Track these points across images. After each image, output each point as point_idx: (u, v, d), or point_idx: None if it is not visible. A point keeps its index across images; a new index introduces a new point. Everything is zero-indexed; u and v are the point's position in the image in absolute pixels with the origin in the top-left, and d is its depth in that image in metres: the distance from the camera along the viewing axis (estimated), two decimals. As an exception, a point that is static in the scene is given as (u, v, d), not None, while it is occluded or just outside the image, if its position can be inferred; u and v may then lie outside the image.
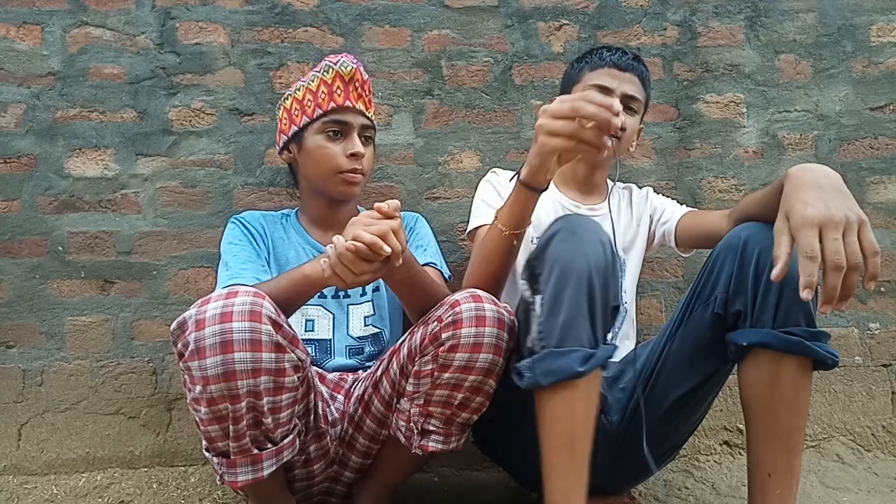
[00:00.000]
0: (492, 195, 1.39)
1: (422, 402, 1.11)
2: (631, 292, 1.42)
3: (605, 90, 1.32)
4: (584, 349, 0.97)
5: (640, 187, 1.52)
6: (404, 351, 1.13)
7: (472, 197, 1.48)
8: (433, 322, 1.08)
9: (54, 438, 1.58)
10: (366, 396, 1.21)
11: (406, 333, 1.17)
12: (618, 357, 1.34)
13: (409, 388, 1.12)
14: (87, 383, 1.59)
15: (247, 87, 1.66)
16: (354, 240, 0.97)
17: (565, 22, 1.72)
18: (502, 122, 1.70)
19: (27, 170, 1.61)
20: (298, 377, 1.05)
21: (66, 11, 1.63)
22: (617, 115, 0.94)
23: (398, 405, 1.15)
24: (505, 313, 1.07)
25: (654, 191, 1.52)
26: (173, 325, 1.00)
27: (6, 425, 1.58)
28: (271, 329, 0.98)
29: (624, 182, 1.55)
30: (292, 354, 1.03)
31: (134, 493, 1.48)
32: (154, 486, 1.51)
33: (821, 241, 0.86)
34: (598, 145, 0.97)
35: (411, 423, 1.12)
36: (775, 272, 0.89)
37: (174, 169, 1.64)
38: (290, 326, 1.05)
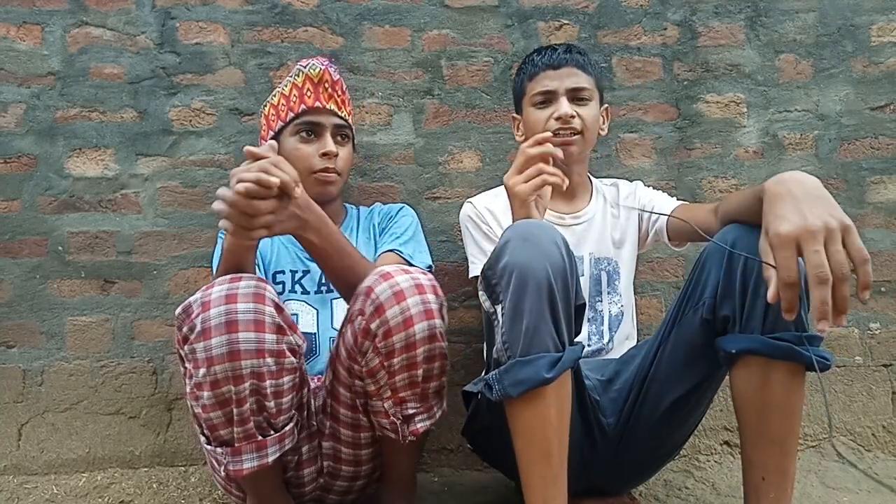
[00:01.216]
0: (480, 235, 1.39)
1: (389, 394, 1.10)
2: (627, 291, 1.41)
3: (548, 94, 1.33)
4: (550, 354, 0.96)
5: (630, 181, 1.51)
6: (343, 353, 1.13)
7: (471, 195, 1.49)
8: (357, 317, 1.07)
9: (54, 438, 1.58)
10: (328, 408, 1.20)
11: (338, 335, 1.16)
12: (617, 354, 1.34)
13: (371, 387, 1.11)
14: (88, 383, 1.59)
15: (247, 86, 1.66)
16: (239, 182, 0.94)
17: (565, 22, 1.72)
18: (502, 122, 1.70)
19: (27, 170, 1.61)
20: (297, 361, 1.07)
21: (66, 11, 1.63)
22: (545, 142, 1.11)
23: (371, 407, 1.15)
24: (421, 276, 1.07)
25: (644, 184, 1.50)
26: (178, 309, 1.02)
27: (6, 425, 1.58)
28: (274, 311, 1.01)
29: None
30: (290, 337, 1.05)
31: (134, 492, 1.48)
32: (154, 485, 1.51)
33: (802, 255, 0.82)
34: (555, 163, 1.12)
35: (391, 418, 1.12)
36: (769, 295, 0.86)
37: (174, 169, 1.64)
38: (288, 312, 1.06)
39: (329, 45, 1.68)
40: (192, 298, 1.01)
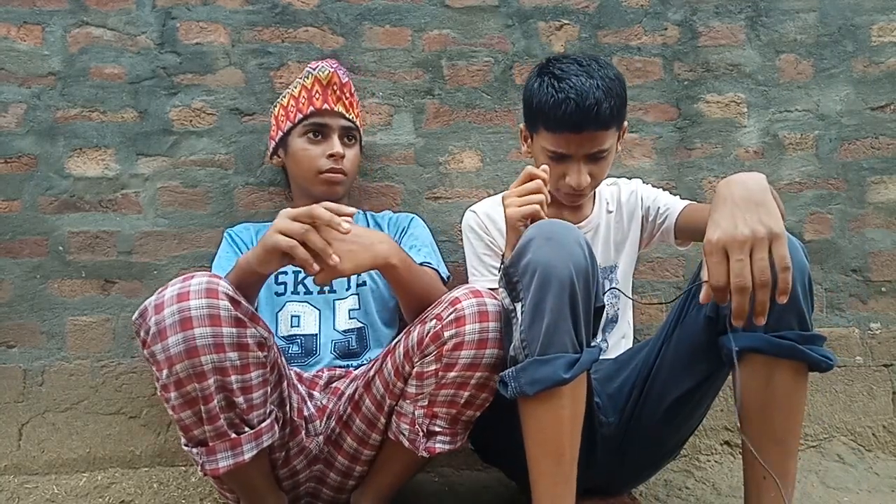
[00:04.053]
0: (482, 247, 1.37)
1: (426, 403, 1.09)
2: (625, 291, 1.41)
3: (562, 156, 1.24)
4: (568, 355, 0.97)
5: (629, 178, 1.49)
6: (400, 350, 1.12)
7: (474, 200, 1.49)
8: (432, 320, 1.07)
9: (55, 438, 1.58)
10: (356, 396, 1.20)
11: (402, 334, 1.16)
12: (613, 354, 1.34)
13: (412, 389, 1.10)
14: (88, 383, 1.59)
15: (247, 86, 1.66)
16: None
17: (566, 22, 1.72)
18: (503, 122, 1.70)
19: (28, 170, 1.61)
20: (264, 355, 1.05)
21: (67, 11, 1.63)
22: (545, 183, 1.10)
23: (398, 408, 1.14)
24: (503, 308, 1.07)
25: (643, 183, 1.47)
26: (135, 314, 1.02)
27: (7, 425, 1.58)
28: (229, 305, 1.00)
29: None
30: (254, 330, 1.04)
31: (135, 492, 1.49)
32: (155, 485, 1.51)
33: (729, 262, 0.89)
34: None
35: (416, 426, 1.11)
36: (700, 297, 0.93)
37: (175, 169, 1.64)
38: (248, 305, 1.06)
39: (329, 45, 1.68)
40: (147, 302, 1.01)
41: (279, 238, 1.00)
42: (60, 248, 1.61)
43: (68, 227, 1.61)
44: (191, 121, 1.65)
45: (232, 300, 1.01)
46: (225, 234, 1.45)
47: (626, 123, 1.30)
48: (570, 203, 1.31)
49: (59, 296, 1.60)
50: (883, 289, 1.72)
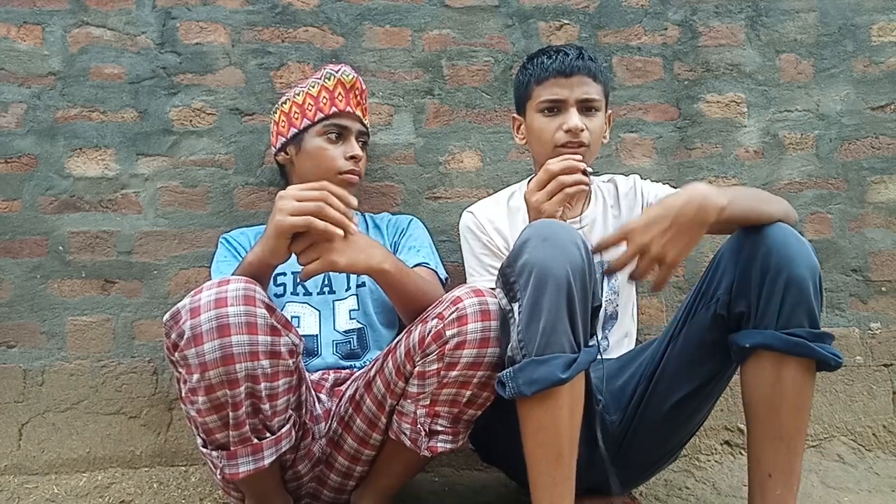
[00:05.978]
0: (479, 247, 1.38)
1: (428, 402, 1.09)
2: (624, 289, 1.40)
3: (557, 103, 1.29)
4: (565, 355, 0.97)
5: (626, 175, 1.48)
6: (401, 350, 1.12)
7: (474, 200, 1.48)
8: (433, 319, 1.07)
9: (55, 438, 1.58)
10: (357, 396, 1.20)
11: (402, 333, 1.16)
12: (615, 353, 1.34)
13: (413, 389, 1.10)
14: (88, 383, 1.59)
15: (247, 86, 1.66)
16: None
17: (566, 21, 1.72)
18: (503, 122, 1.69)
19: (28, 170, 1.61)
20: (293, 362, 1.06)
21: (67, 11, 1.63)
22: (581, 170, 1.14)
23: (400, 407, 1.14)
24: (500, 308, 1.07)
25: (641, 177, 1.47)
26: (166, 316, 1.01)
27: (7, 425, 1.58)
28: (266, 312, 1.00)
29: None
30: (287, 338, 1.04)
31: (135, 492, 1.49)
32: (155, 485, 1.51)
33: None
34: (585, 182, 1.16)
35: (418, 426, 1.10)
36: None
37: (175, 169, 1.64)
38: (281, 312, 1.06)
39: (329, 45, 1.68)
40: (179, 304, 1.00)
41: (292, 219, 1.01)
42: (60, 248, 1.61)
43: (68, 227, 1.61)
44: (191, 121, 1.65)
45: (268, 307, 1.01)
46: (221, 240, 1.45)
47: (610, 112, 1.39)
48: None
49: (59, 296, 1.60)
50: (883, 289, 1.72)
